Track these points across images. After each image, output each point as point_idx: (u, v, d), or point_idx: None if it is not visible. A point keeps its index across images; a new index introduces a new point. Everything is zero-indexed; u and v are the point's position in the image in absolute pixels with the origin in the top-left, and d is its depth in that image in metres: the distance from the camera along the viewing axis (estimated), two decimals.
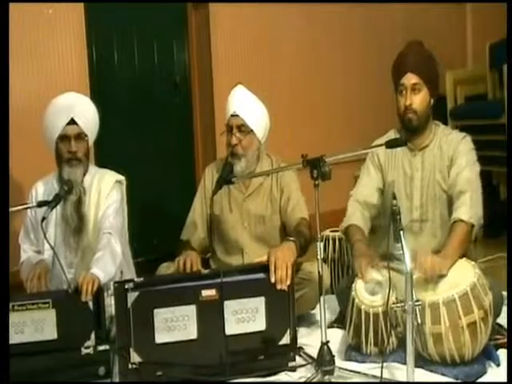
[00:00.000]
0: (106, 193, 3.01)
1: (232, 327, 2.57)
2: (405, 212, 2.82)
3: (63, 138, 2.92)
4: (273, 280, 2.57)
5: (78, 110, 2.94)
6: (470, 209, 2.71)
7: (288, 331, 2.62)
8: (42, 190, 3.03)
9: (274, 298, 2.59)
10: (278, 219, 3.13)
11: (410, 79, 2.81)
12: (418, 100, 2.82)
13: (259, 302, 2.59)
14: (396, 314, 2.57)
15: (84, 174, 3.00)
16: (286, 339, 2.62)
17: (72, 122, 2.91)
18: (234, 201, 3.13)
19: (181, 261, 2.84)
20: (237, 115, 3.01)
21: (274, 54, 4.82)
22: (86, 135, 2.97)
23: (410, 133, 2.84)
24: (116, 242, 2.90)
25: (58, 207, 2.90)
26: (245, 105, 3.04)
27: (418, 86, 2.81)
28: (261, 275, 2.61)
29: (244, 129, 3.01)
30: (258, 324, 2.59)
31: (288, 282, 2.59)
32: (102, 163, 3.58)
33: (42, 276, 2.75)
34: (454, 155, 2.84)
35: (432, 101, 2.87)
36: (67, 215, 2.96)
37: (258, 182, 3.13)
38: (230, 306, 2.56)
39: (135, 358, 2.51)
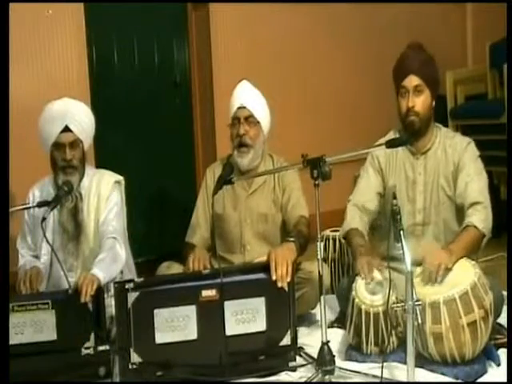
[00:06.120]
0: (105, 195, 3.00)
1: (232, 328, 2.56)
2: (407, 216, 2.83)
3: (58, 145, 2.91)
4: (274, 278, 2.57)
5: (72, 116, 2.90)
6: (484, 219, 2.71)
7: (289, 332, 2.62)
8: (39, 194, 3.02)
9: (275, 299, 2.59)
10: (279, 218, 3.15)
11: (412, 81, 2.80)
12: (421, 102, 2.80)
13: (259, 303, 2.58)
14: (396, 314, 2.57)
15: (80, 180, 2.98)
16: (286, 340, 2.62)
17: (66, 129, 2.89)
18: (237, 198, 3.14)
19: (191, 261, 2.84)
20: (244, 107, 3.05)
21: (275, 53, 4.81)
22: (81, 141, 2.95)
23: (412, 135, 2.82)
24: (121, 247, 2.90)
25: (55, 214, 2.90)
26: (251, 98, 3.08)
27: (420, 88, 2.80)
28: (261, 275, 2.61)
29: (252, 120, 3.05)
30: (259, 325, 2.59)
31: (288, 279, 2.58)
32: (101, 163, 3.58)
33: (34, 280, 2.74)
34: (460, 162, 2.82)
35: (433, 103, 2.86)
36: (64, 222, 2.96)
37: (262, 180, 3.15)
38: (230, 306, 2.56)
39: (135, 358, 2.51)
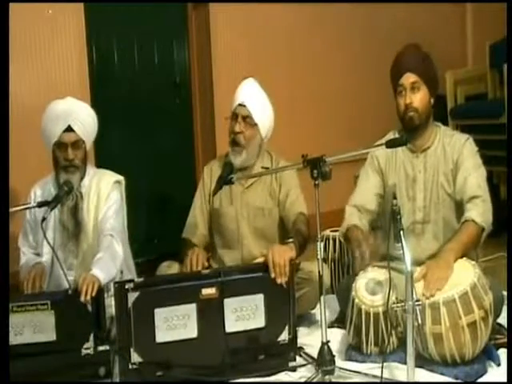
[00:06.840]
0: (105, 194, 3.01)
1: (232, 325, 2.56)
2: (407, 214, 2.83)
3: (60, 144, 2.92)
4: (272, 275, 2.57)
5: (75, 116, 2.91)
6: (482, 213, 2.72)
7: (286, 327, 2.62)
8: (40, 193, 3.03)
9: (274, 295, 2.59)
10: (276, 213, 3.14)
11: (409, 78, 2.82)
12: (418, 98, 2.82)
13: (258, 299, 2.58)
14: (396, 314, 2.57)
15: (81, 179, 2.99)
16: (284, 335, 2.62)
17: (69, 128, 2.89)
18: (234, 192, 3.13)
19: (189, 260, 2.84)
20: (244, 105, 3.03)
21: (274, 53, 4.81)
22: (83, 141, 2.96)
23: (411, 132, 2.83)
24: (118, 244, 2.91)
25: (56, 212, 2.91)
26: (253, 98, 3.06)
27: (417, 85, 2.81)
28: (260, 274, 2.61)
29: (249, 120, 3.03)
30: (258, 321, 2.59)
31: (287, 277, 2.58)
32: (101, 163, 3.58)
33: (38, 278, 2.75)
34: (458, 159, 2.83)
35: (432, 100, 2.87)
36: (64, 220, 2.96)
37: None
38: (229, 303, 2.56)
39: (136, 358, 2.50)
